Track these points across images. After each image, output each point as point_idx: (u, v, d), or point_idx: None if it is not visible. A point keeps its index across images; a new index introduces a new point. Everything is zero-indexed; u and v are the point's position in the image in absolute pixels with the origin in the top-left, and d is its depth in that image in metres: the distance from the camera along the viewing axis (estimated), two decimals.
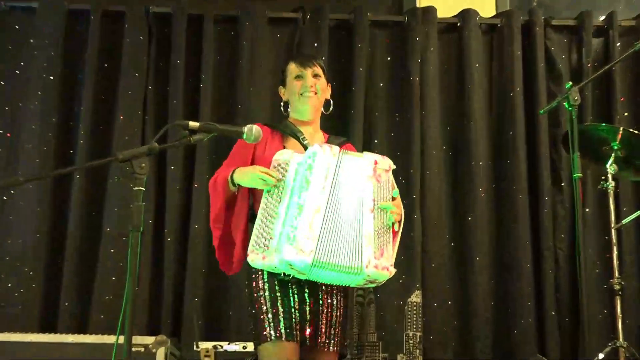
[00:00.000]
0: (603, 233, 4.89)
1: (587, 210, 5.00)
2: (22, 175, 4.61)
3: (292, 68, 3.57)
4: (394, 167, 3.35)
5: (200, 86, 4.90)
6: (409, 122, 4.96)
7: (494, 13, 5.36)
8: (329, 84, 3.63)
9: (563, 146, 4.66)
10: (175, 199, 4.78)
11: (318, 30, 5.04)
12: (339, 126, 4.82)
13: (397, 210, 3.27)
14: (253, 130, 3.02)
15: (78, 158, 4.76)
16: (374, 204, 3.19)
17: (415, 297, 4.59)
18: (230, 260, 3.38)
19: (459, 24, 5.18)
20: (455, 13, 5.24)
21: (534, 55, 5.12)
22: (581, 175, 3.42)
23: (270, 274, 3.20)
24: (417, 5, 5.32)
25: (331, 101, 3.63)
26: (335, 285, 3.26)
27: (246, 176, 3.22)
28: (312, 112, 3.52)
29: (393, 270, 3.17)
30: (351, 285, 3.24)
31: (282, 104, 3.60)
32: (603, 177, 4.21)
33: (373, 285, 3.21)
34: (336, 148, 3.24)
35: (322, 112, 3.58)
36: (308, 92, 3.49)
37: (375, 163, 3.28)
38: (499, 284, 4.93)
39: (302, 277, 3.12)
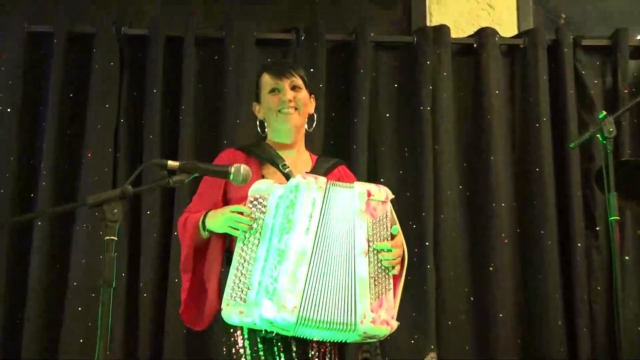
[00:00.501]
0: None
1: (626, 257, 5.00)
2: None
3: (266, 80, 3.52)
4: (392, 196, 3.29)
5: (179, 118, 4.90)
6: (420, 158, 4.98)
7: (515, 32, 5.40)
8: (312, 96, 3.62)
9: (597, 184, 4.67)
10: (151, 249, 4.75)
11: (314, 53, 5.07)
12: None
13: (397, 250, 3.21)
14: (241, 170, 3.02)
15: (40, 201, 4.74)
16: (369, 245, 3.14)
17: (430, 359, 4.59)
18: (199, 314, 3.34)
19: (475, 45, 5.22)
20: (471, 32, 5.28)
21: (562, 80, 5.15)
22: (618, 217, 3.43)
23: (250, 330, 3.15)
24: (428, 24, 5.37)
25: (315, 116, 3.61)
26: (329, 341, 3.20)
27: (218, 221, 3.20)
28: (293, 131, 3.49)
29: (395, 324, 3.12)
30: (348, 342, 3.17)
31: (257, 122, 3.58)
32: None
33: (373, 340, 3.16)
34: (322, 180, 3.18)
35: (306, 130, 3.57)
36: (286, 107, 3.44)
37: (369, 195, 3.21)
38: (526, 343, 4.92)
39: (287, 334, 3.08)
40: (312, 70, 4.99)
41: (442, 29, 5.18)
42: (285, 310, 2.94)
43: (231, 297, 3.06)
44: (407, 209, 4.92)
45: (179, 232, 3.39)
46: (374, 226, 3.19)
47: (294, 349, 3.17)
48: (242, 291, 3.04)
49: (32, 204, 4.82)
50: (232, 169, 3.01)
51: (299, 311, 2.95)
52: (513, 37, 5.31)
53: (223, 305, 3.07)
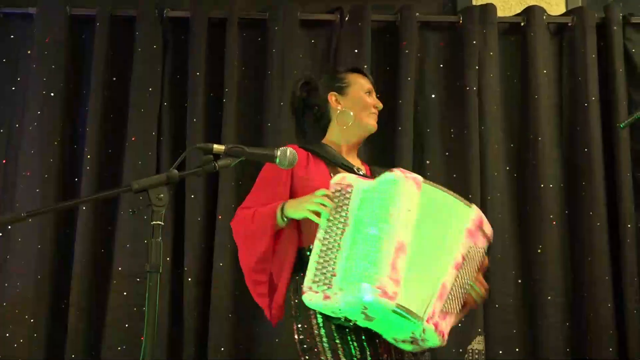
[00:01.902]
0: None
1: None
2: (22, 208, 4.63)
3: (361, 80, 3.65)
4: (491, 240, 3.35)
5: (223, 101, 4.88)
6: (466, 139, 4.94)
7: (563, 10, 5.33)
8: None
9: None
10: (195, 233, 4.76)
11: (359, 34, 5.02)
12: (384, 144, 4.83)
13: (484, 294, 3.33)
14: (287, 154, 3.01)
15: (84, 186, 4.75)
16: (463, 263, 3.16)
17: (477, 344, 4.59)
18: (271, 309, 3.38)
19: (522, 24, 5.16)
20: (519, 11, 5.23)
21: (611, 59, 5.08)
22: None
23: (325, 317, 3.16)
24: (474, 3, 5.31)
25: None
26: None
27: (301, 205, 3.19)
28: (370, 133, 3.62)
29: (445, 341, 3.12)
30: (397, 337, 3.13)
31: (350, 113, 3.58)
32: None
33: (416, 347, 3.15)
34: (419, 177, 3.21)
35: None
36: (375, 112, 3.62)
37: (481, 224, 3.27)
38: (575, 328, 4.89)
39: (363, 324, 3.08)
40: (356, 51, 4.96)
41: (488, 8, 5.12)
42: (387, 296, 2.93)
43: (314, 281, 3.05)
44: (453, 191, 4.87)
45: (243, 226, 3.36)
46: (472, 252, 3.22)
47: (364, 338, 3.18)
48: (326, 277, 3.04)
49: (76, 188, 4.83)
50: (278, 152, 3.00)
51: (398, 298, 2.95)
52: (561, 16, 5.24)
53: (305, 289, 3.07)
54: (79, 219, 4.74)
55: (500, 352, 4.82)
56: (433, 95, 5.09)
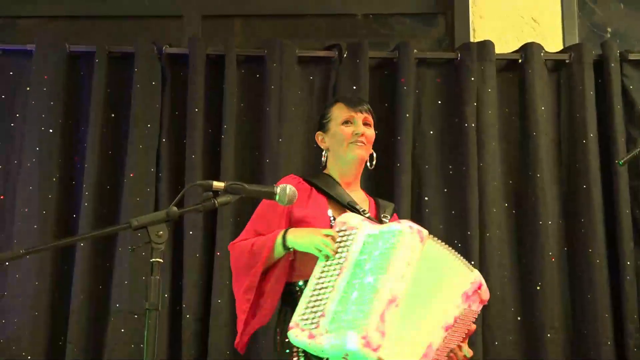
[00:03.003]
0: None
1: None
2: (19, 245, 4.61)
3: (340, 110, 3.58)
4: (487, 304, 3.39)
5: (221, 137, 4.89)
6: (465, 176, 4.94)
7: (560, 47, 5.36)
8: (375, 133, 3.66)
9: None
10: (194, 269, 4.74)
11: (356, 70, 5.03)
12: (382, 181, 4.85)
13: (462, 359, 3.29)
14: (287, 191, 3.03)
15: (82, 223, 4.75)
16: (454, 324, 3.16)
17: None
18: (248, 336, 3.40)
19: (520, 61, 5.17)
20: (515, 47, 5.25)
21: (609, 96, 5.08)
22: None
23: (307, 356, 3.17)
24: (471, 39, 5.35)
25: (374, 154, 3.65)
26: None
27: (306, 240, 3.20)
28: (357, 164, 3.54)
29: None
30: None
31: (324, 154, 3.62)
32: None
33: None
34: (425, 232, 3.19)
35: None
36: (358, 140, 3.51)
37: (479, 287, 3.27)
38: None
39: None
40: (354, 87, 4.97)
41: (486, 45, 5.14)
42: (369, 347, 2.92)
43: (303, 319, 3.05)
44: (452, 228, 4.90)
45: (241, 257, 3.40)
46: (464, 314, 3.22)
47: None
48: (315, 316, 3.03)
49: (75, 225, 4.82)
50: (278, 189, 3.02)
51: (381, 351, 2.94)
52: (558, 52, 5.26)
53: (292, 324, 3.07)
54: (78, 255, 4.73)
55: None
56: (431, 132, 5.10)
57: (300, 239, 3.21)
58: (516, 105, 5.18)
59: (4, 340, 4.65)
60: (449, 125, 5.10)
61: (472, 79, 5.05)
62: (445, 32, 5.54)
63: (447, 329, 3.13)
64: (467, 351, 3.32)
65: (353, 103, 3.61)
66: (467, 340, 3.35)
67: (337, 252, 3.13)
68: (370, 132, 3.59)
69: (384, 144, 4.97)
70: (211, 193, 2.87)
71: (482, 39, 5.22)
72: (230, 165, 4.87)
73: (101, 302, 4.75)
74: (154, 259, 2.67)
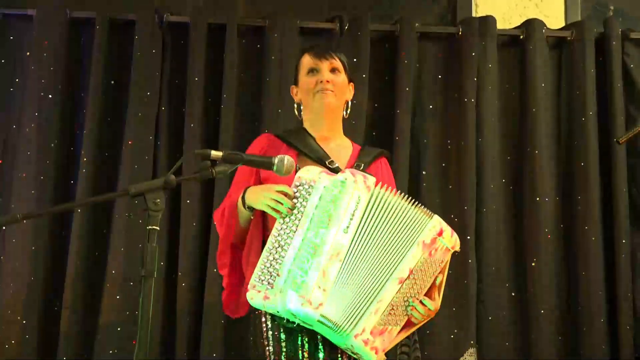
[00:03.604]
0: None
1: None
2: (17, 210, 4.66)
3: (306, 60, 3.53)
4: (459, 250, 3.26)
5: (221, 107, 4.89)
6: (463, 150, 4.95)
7: (562, 24, 5.37)
8: (352, 83, 3.61)
9: None
10: (190, 238, 4.76)
11: (357, 43, 5.03)
12: None
13: (430, 313, 3.18)
14: (285, 162, 3.02)
15: (79, 189, 4.74)
16: (408, 276, 3.08)
17: (470, 356, 4.60)
18: (236, 301, 3.37)
19: (522, 37, 5.17)
20: (518, 24, 5.25)
21: (609, 74, 5.10)
22: None
23: (273, 318, 3.14)
24: (473, 15, 5.34)
25: (349, 103, 3.60)
26: None
27: (259, 197, 3.16)
28: (327, 113, 3.47)
29: (382, 356, 3.09)
30: (338, 345, 3.09)
31: (295, 105, 3.60)
32: None
33: (354, 356, 3.09)
34: (372, 180, 3.13)
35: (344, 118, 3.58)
36: (323, 88, 3.44)
37: (440, 233, 3.17)
38: (568, 341, 4.91)
39: (307, 326, 3.04)
40: (355, 60, 4.95)
41: (488, 20, 5.14)
42: (311, 306, 2.92)
43: (259, 279, 3.03)
44: (449, 202, 4.91)
45: (218, 223, 3.40)
46: (425, 264, 3.14)
47: (320, 338, 3.13)
48: (270, 276, 3.00)
49: (72, 191, 4.82)
50: (276, 160, 3.02)
51: (323, 308, 2.93)
52: (560, 30, 5.27)
53: (249, 287, 3.05)
54: (74, 221, 4.74)
55: None
56: (431, 106, 5.10)
57: (254, 198, 3.18)
58: (516, 81, 5.18)
59: (0, 304, 4.67)
60: (448, 100, 5.10)
61: (473, 54, 5.04)
62: (447, 7, 5.52)
63: (401, 281, 3.07)
64: (429, 303, 3.17)
65: (317, 51, 3.53)
66: (436, 292, 3.23)
67: (293, 209, 3.07)
68: (339, 79, 3.49)
69: (384, 118, 4.97)
70: (209, 162, 2.86)
71: (484, 14, 5.22)
72: (229, 135, 4.86)
73: (97, 269, 4.75)
74: (150, 227, 2.66)
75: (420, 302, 3.16)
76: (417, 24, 5.11)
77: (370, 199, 3.08)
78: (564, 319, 4.94)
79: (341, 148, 3.54)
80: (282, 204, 3.09)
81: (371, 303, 3.02)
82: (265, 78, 4.96)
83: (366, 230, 3.07)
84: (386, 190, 3.15)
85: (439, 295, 3.24)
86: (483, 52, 5.09)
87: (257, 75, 5.02)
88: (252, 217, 3.28)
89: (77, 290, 4.69)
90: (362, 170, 3.31)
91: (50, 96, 4.86)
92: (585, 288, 4.89)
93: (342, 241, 3.00)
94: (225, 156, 2.88)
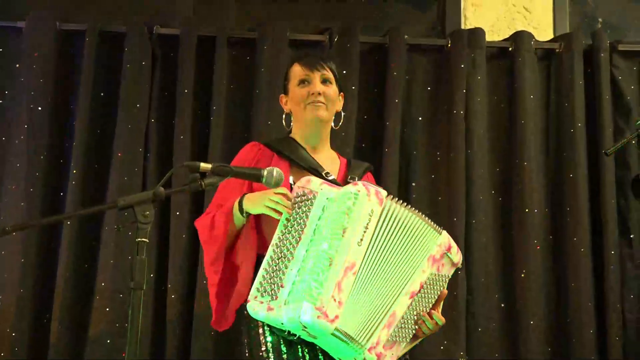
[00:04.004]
0: None
1: None
2: (6, 222, 4.66)
3: (297, 70, 3.50)
4: (461, 266, 3.29)
5: (210, 119, 4.90)
6: (453, 162, 4.96)
7: (551, 36, 5.39)
8: (342, 94, 3.59)
9: (632, 192, 4.66)
10: (180, 250, 4.74)
11: (347, 55, 5.04)
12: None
13: (436, 328, 3.19)
14: (274, 174, 3.01)
15: (69, 201, 4.74)
16: (420, 290, 3.09)
17: None
18: (223, 311, 3.33)
19: (510, 49, 5.19)
20: (507, 36, 5.27)
21: (598, 86, 5.12)
22: None
23: (272, 329, 3.12)
24: (463, 27, 5.36)
25: (342, 114, 3.58)
26: None
27: (256, 200, 3.15)
28: (319, 125, 3.45)
29: None
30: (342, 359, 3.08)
31: (284, 115, 3.58)
32: None
33: None
34: (383, 192, 3.10)
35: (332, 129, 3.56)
36: (315, 100, 3.40)
37: (448, 249, 3.20)
38: (557, 352, 4.92)
39: (309, 340, 3.02)
40: (344, 72, 4.95)
41: (477, 32, 5.16)
42: (326, 319, 2.87)
43: (262, 290, 3.01)
44: (438, 214, 4.90)
45: (203, 232, 3.36)
46: (433, 279, 3.15)
47: (321, 355, 3.12)
48: (273, 287, 2.98)
49: (62, 203, 4.82)
50: (265, 172, 3.02)
51: (338, 322, 2.90)
52: (549, 41, 5.28)
53: (250, 297, 3.02)
54: (64, 233, 4.73)
55: None
56: (420, 118, 5.11)
57: (253, 201, 3.16)
58: (505, 93, 5.19)
59: None
60: (438, 111, 5.11)
61: (462, 66, 5.06)
62: (437, 18, 5.54)
63: (412, 295, 3.07)
64: (439, 318, 3.19)
65: (308, 62, 3.50)
66: (440, 306, 3.25)
67: (295, 218, 3.06)
68: (331, 90, 3.46)
69: (373, 129, 4.98)
70: (198, 174, 2.87)
71: (473, 27, 5.24)
72: (219, 147, 4.87)
73: (87, 280, 4.75)
74: (139, 239, 2.66)
75: (431, 317, 3.18)
76: (406, 36, 5.12)
77: (382, 211, 3.06)
78: (553, 329, 4.94)
79: (330, 160, 3.53)
80: (282, 204, 3.09)
81: (384, 317, 3.02)
82: (254, 90, 4.96)
83: (379, 243, 3.05)
84: (397, 203, 3.14)
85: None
86: (472, 63, 5.11)
87: (247, 86, 5.03)
88: (244, 223, 3.26)
89: (66, 302, 4.67)
90: None
91: (39, 108, 4.86)
92: (575, 299, 4.89)
93: (356, 254, 2.98)
94: (215, 169, 2.89)
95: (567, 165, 5.04)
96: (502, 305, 4.95)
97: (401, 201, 3.19)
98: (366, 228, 3.01)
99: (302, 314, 2.89)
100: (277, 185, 3.03)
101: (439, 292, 3.20)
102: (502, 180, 5.10)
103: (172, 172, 2.95)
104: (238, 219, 3.24)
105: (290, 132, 3.61)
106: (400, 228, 3.10)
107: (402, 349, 3.13)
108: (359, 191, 3.04)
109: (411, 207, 3.22)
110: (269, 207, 3.09)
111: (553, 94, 5.20)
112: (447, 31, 5.35)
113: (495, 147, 5.14)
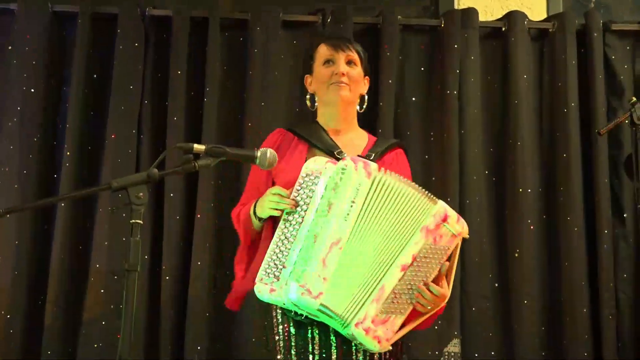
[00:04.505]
0: None
1: None
2: (0, 204, 4.62)
3: (322, 51, 3.49)
4: (467, 236, 3.23)
5: (204, 100, 4.89)
6: (446, 143, 4.96)
7: (544, 16, 5.38)
8: (367, 77, 3.59)
9: (625, 171, 4.67)
10: (174, 232, 4.76)
11: (340, 35, 5.02)
12: None
13: (437, 301, 3.13)
14: (267, 155, 3.02)
15: (63, 183, 4.74)
16: (412, 263, 3.06)
17: (453, 347, 4.62)
18: (236, 293, 3.39)
19: (503, 29, 5.19)
20: (500, 16, 5.27)
21: (591, 65, 5.12)
22: None
23: (283, 311, 3.15)
24: (456, 7, 5.36)
25: (366, 97, 3.57)
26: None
27: (262, 206, 3.19)
28: (341, 106, 3.43)
29: (386, 346, 3.05)
30: (343, 334, 3.07)
31: (307, 97, 3.56)
32: None
33: (359, 346, 3.08)
34: (373, 166, 3.09)
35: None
36: (339, 81, 3.39)
37: (444, 219, 3.13)
38: (551, 331, 4.93)
39: (317, 319, 3.04)
40: None
41: (470, 12, 5.15)
42: (310, 295, 2.91)
43: (266, 272, 3.03)
44: (432, 194, 4.88)
45: (235, 225, 3.43)
46: (429, 251, 3.10)
47: (333, 339, 3.13)
48: (277, 268, 3.00)
49: (55, 185, 4.82)
50: (258, 153, 3.02)
51: (323, 298, 2.92)
52: (542, 21, 5.28)
53: (257, 280, 3.05)
54: (58, 216, 4.73)
55: (476, 355, 4.85)
56: (414, 98, 5.11)
57: (261, 206, 3.20)
58: (498, 73, 5.19)
59: None
60: (431, 92, 5.11)
61: (456, 46, 5.05)
62: None
63: (404, 268, 3.04)
64: (435, 288, 3.11)
65: (334, 42, 3.49)
66: (444, 280, 3.18)
67: (302, 200, 3.07)
68: (355, 72, 3.45)
69: (366, 110, 4.95)
70: (192, 155, 2.87)
71: (466, 7, 5.23)
72: (212, 129, 4.87)
73: (81, 263, 4.75)
74: (133, 220, 2.68)
75: (427, 288, 3.11)
76: (399, 16, 5.11)
77: (371, 185, 3.05)
78: (546, 308, 4.96)
79: (355, 140, 3.51)
80: (280, 203, 3.10)
81: (372, 291, 3.01)
82: (248, 71, 4.95)
83: (367, 217, 3.04)
84: (389, 175, 3.12)
85: (448, 284, 3.21)
86: (465, 44, 5.10)
87: (240, 68, 5.02)
88: (262, 224, 3.31)
89: (61, 284, 4.68)
90: (373, 160, 3.25)
91: (32, 90, 4.85)
92: (568, 278, 4.91)
93: (342, 229, 2.98)
94: (208, 150, 2.90)
95: (560, 145, 5.04)
96: (496, 284, 4.97)
97: (394, 173, 3.17)
98: (353, 202, 3.01)
99: (290, 292, 2.93)
100: (270, 166, 3.04)
101: (438, 265, 3.15)
102: (495, 160, 5.11)
103: (166, 154, 2.96)
104: (256, 223, 3.29)
105: (315, 114, 3.61)
106: (390, 200, 3.08)
107: (399, 322, 3.10)
108: (346, 166, 3.04)
109: (403, 178, 3.20)
110: (272, 208, 3.13)
111: (546, 73, 5.20)
112: (440, 11, 5.35)
113: (489, 127, 5.14)
